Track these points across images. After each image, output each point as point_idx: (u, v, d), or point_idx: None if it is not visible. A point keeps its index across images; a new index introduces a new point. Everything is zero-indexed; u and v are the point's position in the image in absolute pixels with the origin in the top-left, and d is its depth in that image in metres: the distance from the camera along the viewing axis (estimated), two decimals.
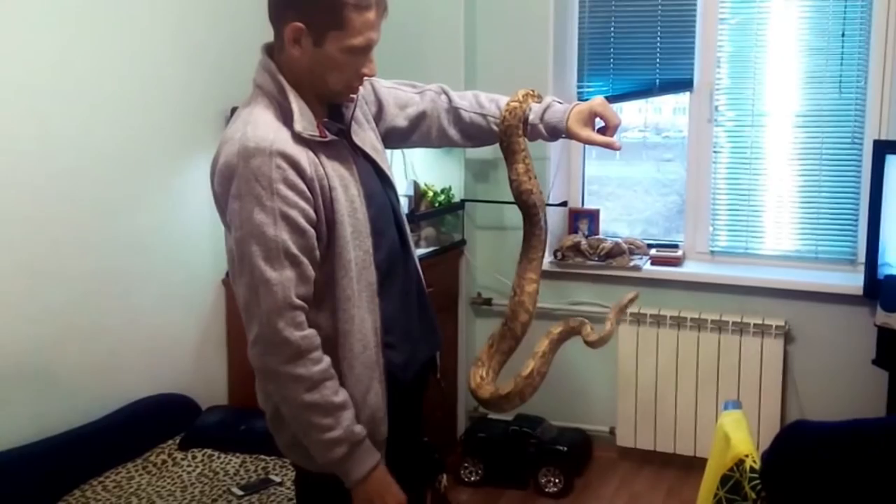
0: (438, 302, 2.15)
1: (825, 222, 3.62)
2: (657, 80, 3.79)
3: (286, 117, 1.60)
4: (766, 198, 3.70)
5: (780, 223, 3.71)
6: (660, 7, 3.72)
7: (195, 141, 3.07)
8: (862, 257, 3.41)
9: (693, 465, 3.50)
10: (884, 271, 3.19)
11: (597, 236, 3.85)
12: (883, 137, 3.35)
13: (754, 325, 3.52)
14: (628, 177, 4.27)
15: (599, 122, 1.80)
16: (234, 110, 1.70)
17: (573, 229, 3.91)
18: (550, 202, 3.73)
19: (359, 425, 1.64)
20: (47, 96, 2.62)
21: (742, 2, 3.59)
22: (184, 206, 3.09)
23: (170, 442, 2.89)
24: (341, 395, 1.61)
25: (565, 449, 3.56)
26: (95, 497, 2.56)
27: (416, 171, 3.77)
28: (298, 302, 1.56)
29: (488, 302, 3.95)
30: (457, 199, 3.82)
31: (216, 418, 3.01)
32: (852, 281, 3.42)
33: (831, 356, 3.51)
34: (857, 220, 3.53)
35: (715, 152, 3.72)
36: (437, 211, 3.75)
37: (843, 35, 3.45)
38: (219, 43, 3.17)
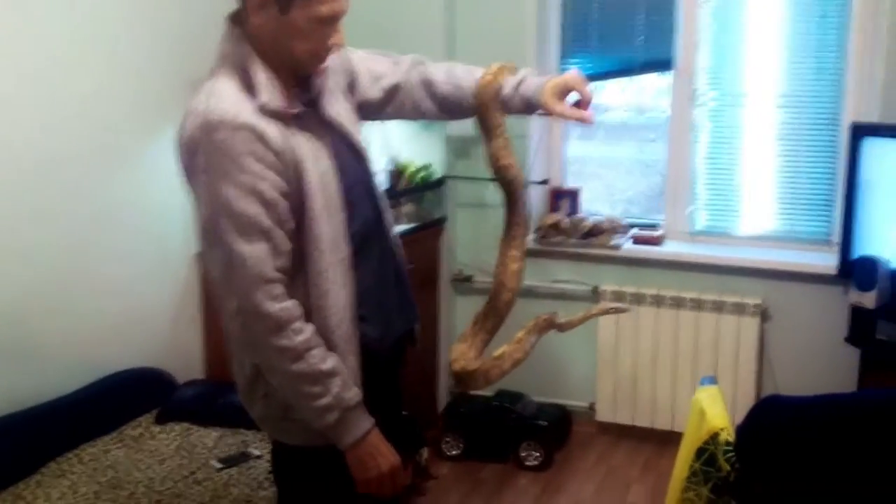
0: (419, 279, 2.14)
1: (802, 203, 3.67)
2: (639, 60, 3.80)
3: (251, 88, 1.57)
4: (745, 178, 3.74)
5: (758, 203, 3.75)
6: None
7: (163, 113, 2.99)
8: (837, 238, 3.46)
9: (670, 440, 3.55)
10: (857, 252, 3.24)
11: (578, 215, 3.88)
12: (860, 120, 3.39)
13: (732, 303, 3.57)
14: (610, 157, 4.29)
15: (575, 97, 1.76)
16: (200, 86, 1.65)
17: (554, 208, 3.94)
18: (531, 180, 3.75)
19: (352, 390, 1.64)
20: (9, 72, 2.58)
21: None
22: (154, 179, 3.04)
23: (146, 416, 2.87)
24: (329, 362, 1.61)
25: (545, 424, 3.61)
26: (71, 470, 2.55)
27: (395, 147, 3.75)
28: (274, 275, 1.56)
29: (469, 279, 3.97)
30: (437, 175, 3.81)
31: (193, 392, 3.00)
32: (827, 261, 3.47)
33: (806, 334, 3.57)
34: (832, 202, 3.58)
35: (695, 132, 3.75)
36: (418, 188, 3.74)
37: (823, 17, 3.48)
38: (184, 12, 3.11)
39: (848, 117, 3.46)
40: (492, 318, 1.82)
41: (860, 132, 3.23)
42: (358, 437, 1.65)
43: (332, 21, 1.59)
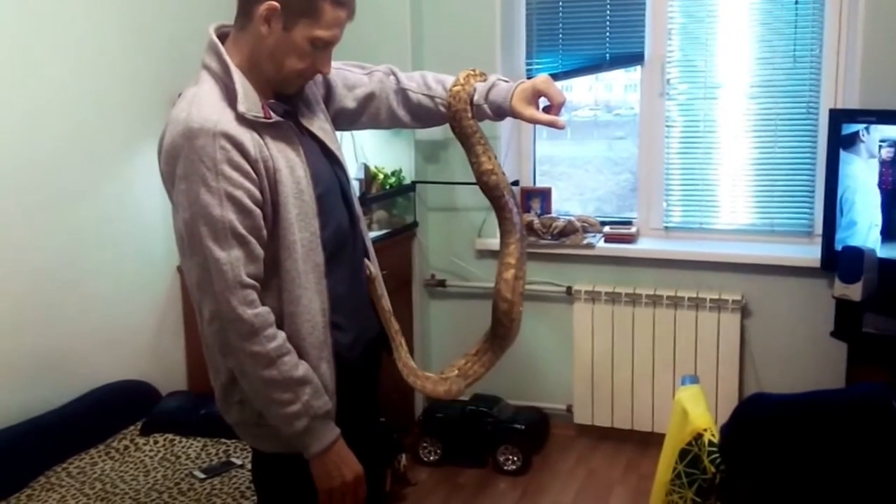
0: (392, 284, 2.14)
1: (781, 195, 3.60)
2: (607, 55, 3.73)
3: (231, 98, 1.61)
4: (721, 172, 3.67)
5: (735, 197, 3.68)
6: None
7: (144, 127, 3.00)
8: (819, 229, 3.37)
9: (651, 441, 3.48)
10: (841, 242, 3.15)
11: (549, 215, 3.81)
12: (839, 106, 3.32)
13: (711, 300, 3.50)
14: (579, 156, 4.23)
15: (545, 101, 1.78)
16: (181, 96, 1.69)
17: (525, 208, 3.86)
18: None
19: (322, 399, 1.66)
20: None
21: None
22: (135, 192, 3.07)
23: (131, 428, 2.91)
24: (301, 370, 1.64)
25: (522, 427, 3.56)
26: (60, 483, 2.58)
27: (366, 153, 3.71)
28: (249, 280, 1.58)
29: (442, 283, 3.90)
30: (407, 181, 3.77)
31: (176, 403, 3.03)
32: (809, 253, 3.39)
33: (789, 329, 3.49)
34: (813, 192, 3.51)
35: (667, 127, 3.68)
36: (388, 193, 3.69)
37: (796, 3, 3.41)
38: (167, 28, 3.13)
39: (826, 104, 3.39)
40: (499, 328, 1.80)
41: (839, 118, 3.15)
42: (325, 446, 1.67)
43: (326, 46, 1.66)
